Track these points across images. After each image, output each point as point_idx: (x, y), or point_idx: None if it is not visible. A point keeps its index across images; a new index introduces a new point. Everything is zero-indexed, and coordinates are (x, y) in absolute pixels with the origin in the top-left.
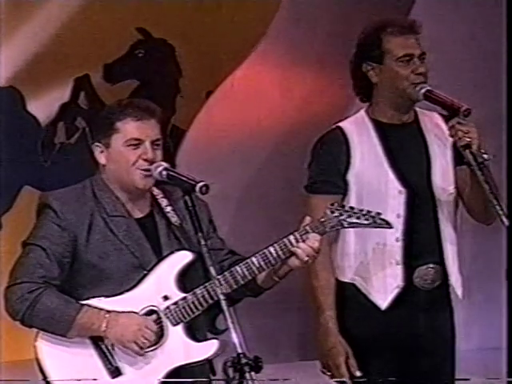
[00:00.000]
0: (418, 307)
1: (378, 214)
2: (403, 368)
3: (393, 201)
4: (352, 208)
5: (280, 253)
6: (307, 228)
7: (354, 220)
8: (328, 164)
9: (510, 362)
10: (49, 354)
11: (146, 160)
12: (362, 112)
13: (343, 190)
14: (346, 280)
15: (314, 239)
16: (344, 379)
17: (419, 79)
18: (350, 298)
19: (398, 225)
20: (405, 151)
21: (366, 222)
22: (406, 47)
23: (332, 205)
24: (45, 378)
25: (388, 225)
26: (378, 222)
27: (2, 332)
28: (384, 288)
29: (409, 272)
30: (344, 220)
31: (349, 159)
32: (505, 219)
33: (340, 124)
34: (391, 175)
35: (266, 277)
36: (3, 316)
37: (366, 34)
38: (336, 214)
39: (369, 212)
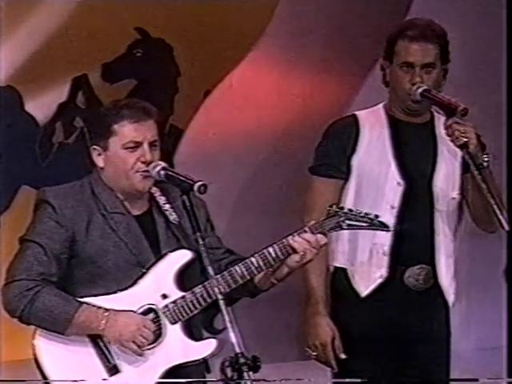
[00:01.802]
0: (405, 300)
1: (377, 216)
2: (385, 363)
3: (389, 191)
4: (351, 210)
5: (279, 253)
6: (306, 229)
7: (353, 222)
8: (335, 148)
9: (510, 362)
10: (47, 351)
11: (144, 162)
12: (380, 106)
13: (346, 175)
14: (337, 265)
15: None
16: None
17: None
18: (338, 282)
19: (391, 216)
20: (412, 148)
21: (364, 224)
22: (408, 54)
23: (331, 206)
24: (43, 375)
25: (386, 227)
26: (377, 224)
27: (1, 332)
28: (368, 277)
29: (395, 264)
30: (343, 222)
31: (355, 145)
32: (504, 221)
33: (356, 112)
34: (393, 167)
35: (264, 277)
36: (3, 315)
37: (390, 33)
38: (335, 216)
39: (367, 214)
